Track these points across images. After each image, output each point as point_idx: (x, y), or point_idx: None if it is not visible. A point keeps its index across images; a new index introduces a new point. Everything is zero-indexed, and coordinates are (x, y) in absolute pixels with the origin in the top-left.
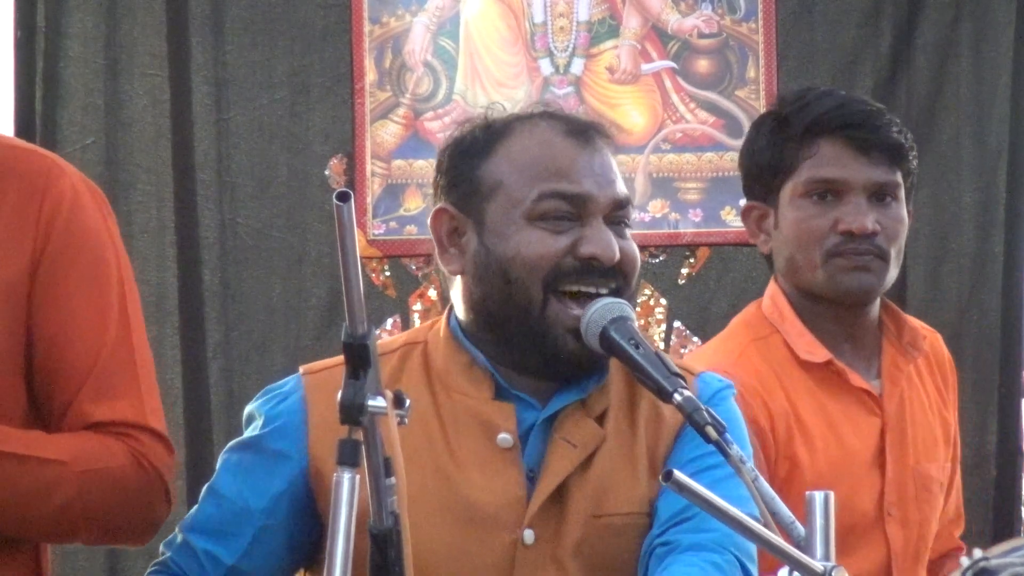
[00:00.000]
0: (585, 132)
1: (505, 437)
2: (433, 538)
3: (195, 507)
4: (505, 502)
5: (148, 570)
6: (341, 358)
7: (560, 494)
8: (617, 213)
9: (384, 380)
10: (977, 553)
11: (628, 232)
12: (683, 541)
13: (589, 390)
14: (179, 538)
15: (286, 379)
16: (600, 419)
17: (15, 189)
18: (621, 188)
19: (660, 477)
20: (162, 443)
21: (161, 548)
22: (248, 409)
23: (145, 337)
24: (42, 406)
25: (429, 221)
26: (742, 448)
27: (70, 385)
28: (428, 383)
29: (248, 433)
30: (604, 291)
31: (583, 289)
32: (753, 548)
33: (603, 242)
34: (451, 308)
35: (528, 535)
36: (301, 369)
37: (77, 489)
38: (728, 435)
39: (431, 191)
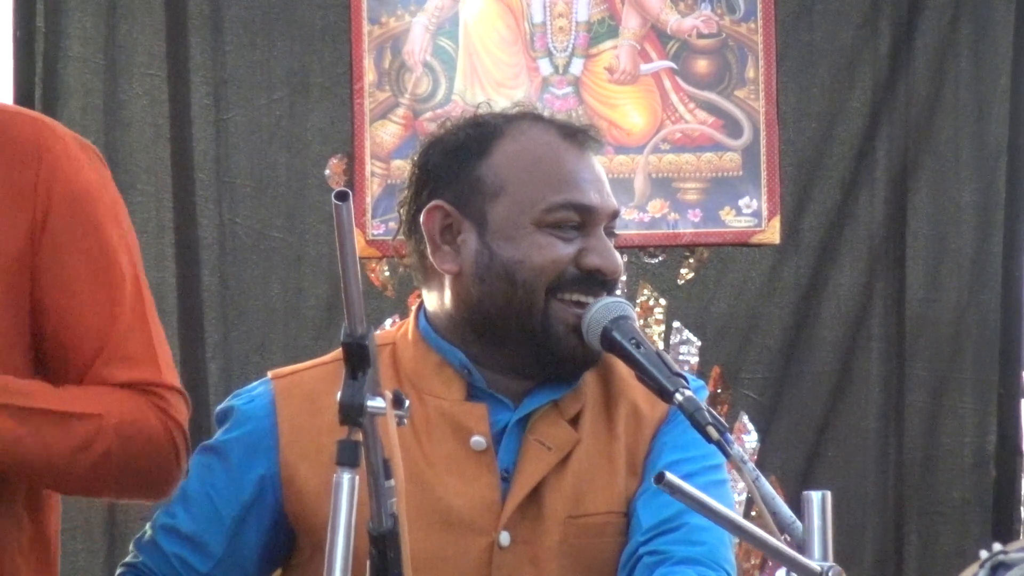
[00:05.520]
0: (580, 136)
1: (479, 440)
2: (409, 543)
3: (166, 508)
4: (480, 505)
5: (118, 571)
6: (309, 363)
7: (536, 496)
8: (611, 223)
9: None
10: (996, 547)
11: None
12: (675, 553)
13: (563, 391)
14: (150, 539)
15: (255, 383)
16: (574, 421)
17: (6, 155)
18: (613, 198)
19: (652, 479)
20: (182, 397)
21: (131, 547)
22: (218, 410)
23: (148, 290)
24: (55, 374)
25: (423, 217)
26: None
27: (85, 354)
28: (398, 384)
29: (218, 436)
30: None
31: (580, 299)
32: (734, 560)
33: (607, 255)
34: (419, 309)
35: (504, 537)
36: (269, 374)
37: (115, 440)
38: (729, 435)
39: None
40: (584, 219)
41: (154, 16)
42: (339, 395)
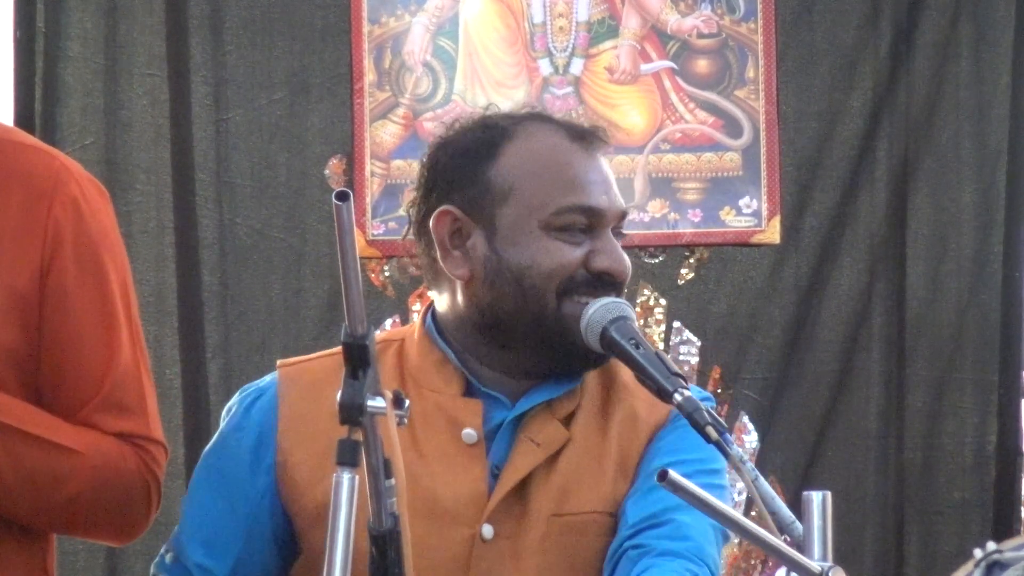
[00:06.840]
0: (588, 138)
1: (470, 433)
2: None
3: (179, 523)
4: (466, 497)
5: None
6: (317, 354)
7: (523, 492)
8: (619, 224)
9: None
10: (991, 546)
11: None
12: (658, 546)
13: (560, 391)
14: (169, 557)
15: (266, 376)
16: (567, 420)
17: (21, 190)
18: (622, 199)
19: (654, 478)
20: (163, 450)
21: (152, 570)
22: (227, 406)
23: (143, 341)
24: (48, 408)
25: (432, 223)
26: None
27: (79, 398)
28: (400, 380)
29: (223, 431)
30: None
31: (590, 300)
32: (720, 562)
33: (615, 256)
34: (428, 308)
35: (487, 530)
36: (278, 363)
37: (89, 483)
38: (728, 435)
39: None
40: (592, 221)
41: (154, 16)
42: (339, 395)
